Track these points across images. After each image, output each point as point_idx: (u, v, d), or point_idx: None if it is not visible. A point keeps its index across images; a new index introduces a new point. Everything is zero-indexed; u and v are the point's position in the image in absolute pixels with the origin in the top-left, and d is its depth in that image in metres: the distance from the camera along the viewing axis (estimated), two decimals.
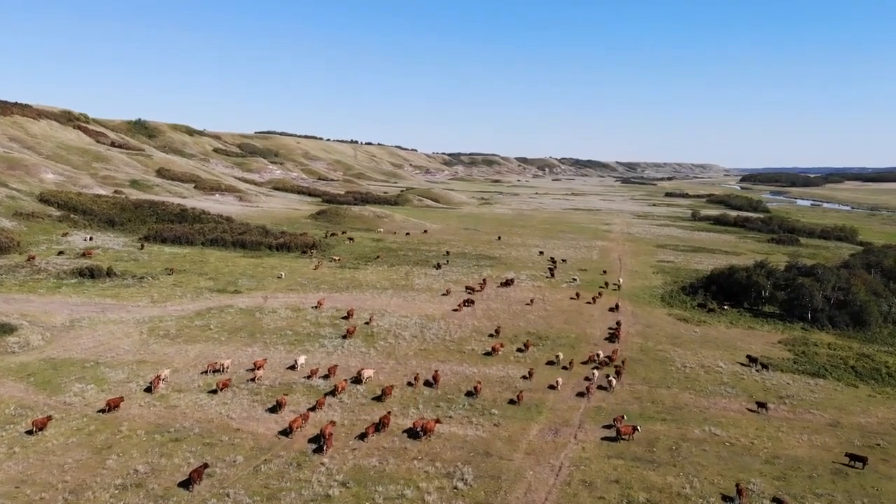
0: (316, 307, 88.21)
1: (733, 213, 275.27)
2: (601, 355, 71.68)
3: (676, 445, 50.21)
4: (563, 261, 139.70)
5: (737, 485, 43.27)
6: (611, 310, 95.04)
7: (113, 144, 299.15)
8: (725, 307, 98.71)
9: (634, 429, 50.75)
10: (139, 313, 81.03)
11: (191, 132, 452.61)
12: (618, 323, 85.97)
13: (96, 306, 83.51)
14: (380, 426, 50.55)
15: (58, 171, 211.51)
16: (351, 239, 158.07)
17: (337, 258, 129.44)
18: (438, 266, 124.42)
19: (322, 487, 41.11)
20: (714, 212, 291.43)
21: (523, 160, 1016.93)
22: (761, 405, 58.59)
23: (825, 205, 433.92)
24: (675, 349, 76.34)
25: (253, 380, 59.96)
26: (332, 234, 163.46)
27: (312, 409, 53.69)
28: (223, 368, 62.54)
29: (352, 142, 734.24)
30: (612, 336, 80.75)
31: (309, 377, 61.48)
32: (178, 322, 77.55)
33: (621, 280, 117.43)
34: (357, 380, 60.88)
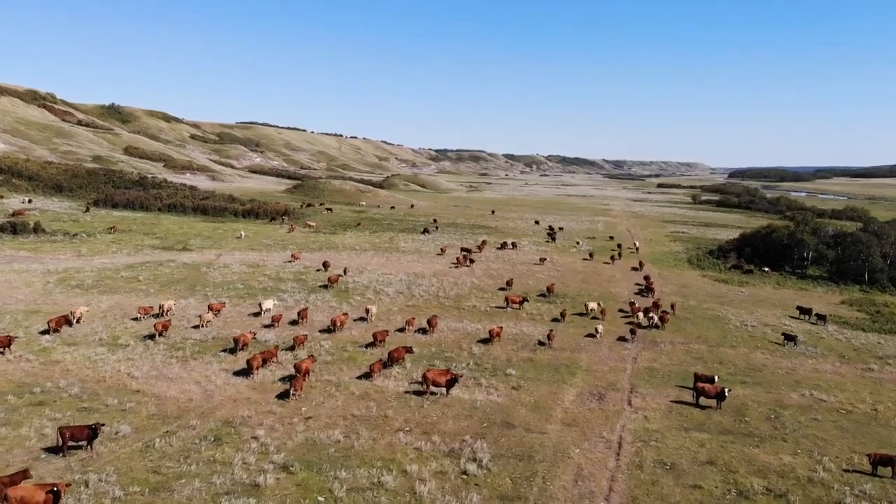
0: (290, 261, 74.36)
1: (735, 198, 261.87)
2: (636, 305, 57.11)
3: (775, 414, 34.97)
4: (561, 228, 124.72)
5: (873, 455, 28.49)
6: (633, 269, 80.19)
7: (79, 123, 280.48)
8: (766, 270, 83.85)
9: (723, 392, 35.29)
10: (55, 265, 64.76)
11: (167, 118, 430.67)
12: (646, 277, 71.09)
13: (4, 258, 67.12)
14: (389, 362, 39.06)
15: (11, 142, 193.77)
16: (329, 209, 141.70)
17: (312, 224, 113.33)
18: (426, 231, 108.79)
19: (248, 472, 25.38)
20: (714, 197, 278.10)
21: (510, 157, 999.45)
22: (789, 338, 49.40)
23: (820, 196, 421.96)
24: (723, 308, 61.37)
25: (198, 326, 45.79)
26: (309, 205, 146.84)
27: (291, 348, 41.77)
28: (163, 312, 47.99)
29: (336, 135, 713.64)
30: (644, 290, 66.03)
31: (271, 326, 47.02)
32: (98, 273, 61.38)
33: (637, 244, 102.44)
34: (363, 318, 50.57)
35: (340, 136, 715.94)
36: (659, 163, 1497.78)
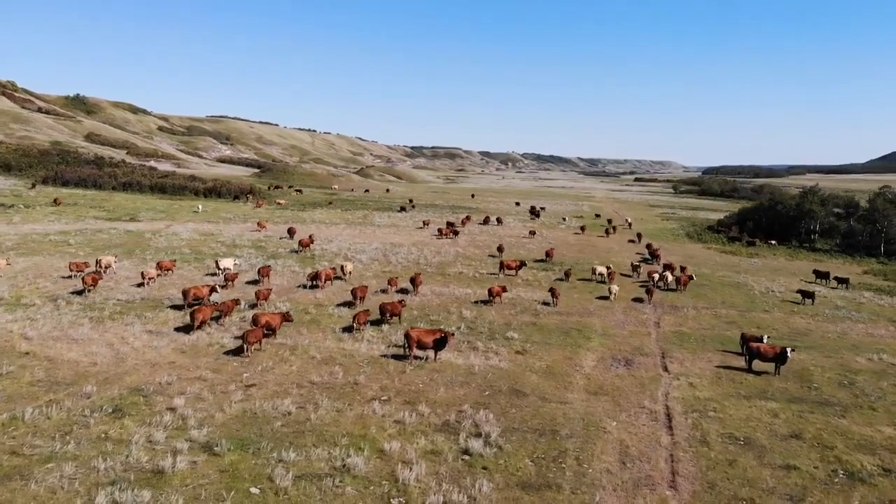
0: (256, 230, 66.94)
1: (717, 187, 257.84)
2: (641, 269, 50.56)
3: (848, 379, 27.88)
4: (543, 209, 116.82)
5: None
6: (630, 241, 73.61)
7: (40, 110, 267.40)
8: (772, 242, 77.52)
9: (784, 353, 28.11)
10: None
11: (135, 110, 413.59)
12: (648, 245, 64.51)
13: None
14: (386, 316, 32.89)
15: None
16: (299, 191, 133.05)
17: (281, 202, 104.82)
18: (403, 210, 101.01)
19: (152, 454, 17.45)
20: (695, 188, 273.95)
21: (486, 154, 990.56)
22: (806, 295, 44.67)
23: (797, 189, 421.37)
24: (740, 276, 54.68)
25: (141, 284, 38.62)
26: (277, 187, 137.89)
27: (253, 305, 35.03)
28: (101, 269, 40.79)
29: (310, 130, 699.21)
30: (649, 258, 59.37)
31: (224, 286, 39.48)
32: (23, 238, 52.66)
33: (629, 220, 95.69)
34: (337, 277, 44.41)
35: (314, 131, 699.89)
36: (633, 161, 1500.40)
